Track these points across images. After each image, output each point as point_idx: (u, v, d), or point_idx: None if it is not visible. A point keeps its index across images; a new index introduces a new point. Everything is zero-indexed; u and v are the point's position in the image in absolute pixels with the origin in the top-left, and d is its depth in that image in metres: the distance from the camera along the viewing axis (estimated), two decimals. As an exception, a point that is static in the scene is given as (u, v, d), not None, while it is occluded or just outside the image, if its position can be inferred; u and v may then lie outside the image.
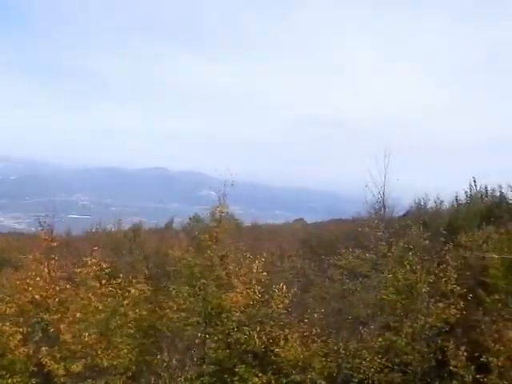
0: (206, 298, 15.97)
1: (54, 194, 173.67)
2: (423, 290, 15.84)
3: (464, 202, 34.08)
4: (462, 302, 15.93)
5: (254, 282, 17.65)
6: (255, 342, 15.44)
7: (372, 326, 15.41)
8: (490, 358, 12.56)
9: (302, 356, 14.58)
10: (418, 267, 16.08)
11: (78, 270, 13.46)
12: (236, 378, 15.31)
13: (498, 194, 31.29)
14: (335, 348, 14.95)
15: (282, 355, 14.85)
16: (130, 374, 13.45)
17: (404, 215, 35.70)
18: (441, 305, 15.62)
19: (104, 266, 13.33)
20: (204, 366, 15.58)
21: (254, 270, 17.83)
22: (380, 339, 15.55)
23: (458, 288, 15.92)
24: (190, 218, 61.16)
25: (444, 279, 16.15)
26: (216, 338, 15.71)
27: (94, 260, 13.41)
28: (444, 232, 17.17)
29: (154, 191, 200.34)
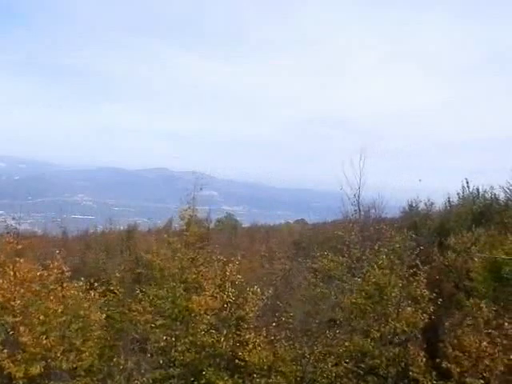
0: (174, 300, 15.98)
1: (57, 195, 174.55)
2: (393, 294, 15.74)
3: (456, 203, 33.91)
4: (432, 307, 15.85)
5: (227, 284, 17.70)
6: (223, 346, 15.43)
7: (338, 331, 15.32)
8: (449, 365, 12.43)
9: (265, 360, 14.53)
10: (388, 271, 15.98)
11: (38, 274, 13.50)
12: (203, 381, 15.31)
13: (491, 195, 31.06)
14: (300, 352, 14.89)
15: (247, 359, 14.81)
16: (94, 376, 13.46)
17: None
18: (409, 309, 15.51)
19: (65, 269, 13.36)
20: (171, 369, 15.63)
21: (228, 273, 17.87)
22: (347, 343, 15.50)
23: (427, 292, 15.80)
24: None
25: (414, 283, 16.05)
26: (184, 340, 15.72)
27: (56, 263, 13.44)
28: (414, 236, 17.01)
29: (156, 191, 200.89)
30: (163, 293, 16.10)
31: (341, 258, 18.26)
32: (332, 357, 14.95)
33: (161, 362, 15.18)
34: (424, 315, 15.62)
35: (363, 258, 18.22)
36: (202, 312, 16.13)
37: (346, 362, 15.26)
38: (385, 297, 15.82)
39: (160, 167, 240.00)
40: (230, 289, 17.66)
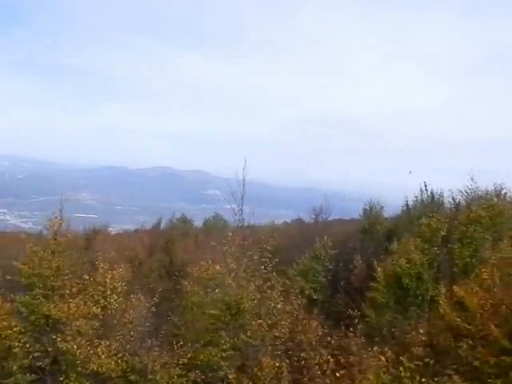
0: (35, 307, 16.40)
1: (60, 193, 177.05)
2: (247, 306, 15.79)
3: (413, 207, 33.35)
4: (288, 320, 15.87)
5: (108, 291, 18.05)
6: (76, 353, 15.69)
7: (181, 342, 15.47)
8: None
9: (104, 369, 14.77)
10: (243, 283, 16.05)
11: None
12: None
13: (442, 198, 30.54)
14: (144, 362, 15.09)
15: (91, 367, 15.08)
16: None
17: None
18: (260, 321, 15.54)
19: None
20: (27, 375, 16.03)
21: (108, 280, 18.22)
22: (202, 355, 15.66)
23: (280, 306, 15.81)
24: (177, 219, 61.43)
25: (272, 296, 16.07)
26: (41, 346, 16.10)
27: None
28: (271, 249, 16.96)
29: (160, 190, 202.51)
30: (26, 299, 16.54)
31: (218, 267, 18.33)
32: (178, 368, 15.12)
33: (14, 368, 15.60)
34: (281, 329, 15.65)
35: (241, 268, 18.22)
36: (67, 319, 16.47)
37: (196, 373, 15.46)
38: (240, 309, 15.88)
39: (164, 166, 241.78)
40: (114, 296, 18.07)
